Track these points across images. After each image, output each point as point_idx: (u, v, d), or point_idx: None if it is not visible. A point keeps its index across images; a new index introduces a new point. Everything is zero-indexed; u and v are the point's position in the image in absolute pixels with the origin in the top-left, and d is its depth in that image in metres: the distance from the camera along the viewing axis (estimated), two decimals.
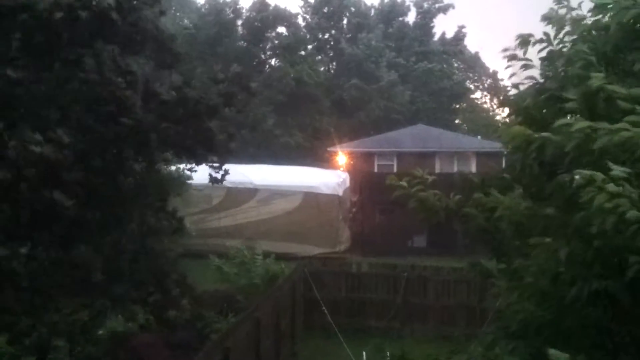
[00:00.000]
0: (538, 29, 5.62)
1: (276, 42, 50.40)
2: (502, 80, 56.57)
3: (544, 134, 4.44)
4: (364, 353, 14.34)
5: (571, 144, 4.13)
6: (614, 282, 4.06)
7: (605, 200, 3.66)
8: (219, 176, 11.68)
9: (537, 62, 5.95)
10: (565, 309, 4.65)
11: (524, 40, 5.36)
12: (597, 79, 4.29)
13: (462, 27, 57.46)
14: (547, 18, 5.36)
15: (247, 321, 11.47)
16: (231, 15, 49.16)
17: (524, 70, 5.86)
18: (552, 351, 3.71)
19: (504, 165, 31.65)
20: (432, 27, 56.77)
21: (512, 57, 5.79)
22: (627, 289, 4.08)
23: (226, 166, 11.74)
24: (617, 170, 3.74)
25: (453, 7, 56.35)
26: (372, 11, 57.60)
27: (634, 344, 4.58)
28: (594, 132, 3.99)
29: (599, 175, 3.73)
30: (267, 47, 50.38)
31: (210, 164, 11.44)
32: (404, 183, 6.01)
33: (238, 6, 49.84)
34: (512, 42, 5.62)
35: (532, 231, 4.74)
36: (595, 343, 4.71)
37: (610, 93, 4.21)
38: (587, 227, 3.97)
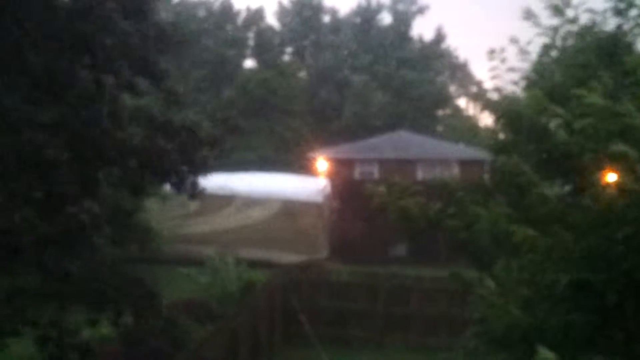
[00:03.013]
0: (518, 30, 5.61)
1: (251, 43, 50.54)
2: (486, 88, 56.68)
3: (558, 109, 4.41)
4: None
5: (585, 121, 4.01)
6: (598, 275, 3.99)
7: None
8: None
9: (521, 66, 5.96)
10: (550, 312, 4.61)
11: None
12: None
13: (440, 28, 57.28)
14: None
15: (224, 331, 11.22)
16: (203, 15, 49.31)
17: (507, 71, 5.88)
18: (541, 350, 3.62)
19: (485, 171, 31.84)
20: (410, 30, 56.63)
21: (493, 54, 5.81)
22: (612, 284, 4.01)
23: None
24: None
25: (428, 8, 56.24)
26: (347, 15, 57.60)
27: (616, 345, 4.50)
28: (612, 113, 3.85)
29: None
30: (242, 48, 50.40)
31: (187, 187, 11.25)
32: (382, 189, 5.86)
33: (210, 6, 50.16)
34: (492, 44, 5.68)
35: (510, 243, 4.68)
36: (579, 345, 4.65)
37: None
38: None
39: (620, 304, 4.25)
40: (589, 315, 4.48)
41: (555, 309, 4.55)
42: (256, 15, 51.59)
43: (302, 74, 54.30)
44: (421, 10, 55.89)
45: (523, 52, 5.91)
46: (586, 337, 4.59)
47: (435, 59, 55.89)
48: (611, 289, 4.10)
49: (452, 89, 60.17)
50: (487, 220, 4.87)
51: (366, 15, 56.22)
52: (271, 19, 54.96)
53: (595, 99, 3.87)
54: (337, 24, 55.75)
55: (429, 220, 5.88)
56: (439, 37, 57.26)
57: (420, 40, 56.88)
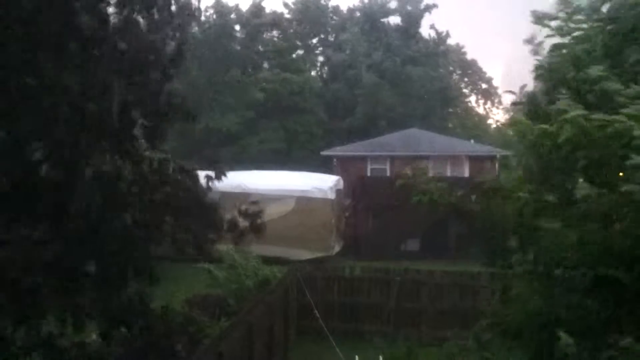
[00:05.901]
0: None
1: (269, 46, 50.74)
2: (497, 88, 56.89)
3: (542, 125, 4.41)
4: (357, 357, 14.30)
5: (563, 135, 4.10)
6: (624, 271, 4.07)
7: None
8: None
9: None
10: (569, 302, 4.65)
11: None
12: (596, 69, 4.24)
13: (446, 32, 57.13)
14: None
15: (240, 326, 11.40)
16: (233, 17, 49.67)
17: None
18: (562, 336, 3.72)
19: (497, 168, 31.71)
20: (419, 28, 56.40)
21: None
22: (637, 279, 4.10)
23: None
24: None
25: (436, 6, 55.91)
26: (357, 13, 57.40)
27: (633, 330, 4.60)
28: (588, 121, 3.95)
29: None
30: (261, 50, 50.71)
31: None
32: (408, 172, 6.02)
33: (237, 8, 50.53)
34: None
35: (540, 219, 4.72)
36: (595, 332, 4.71)
37: (606, 88, 4.17)
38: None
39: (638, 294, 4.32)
40: (604, 303, 4.56)
41: (573, 299, 4.61)
42: (279, 19, 51.93)
43: (312, 72, 54.51)
44: (429, 9, 55.73)
45: (534, 51, 5.90)
46: (602, 324, 4.64)
47: (442, 56, 55.74)
48: (632, 282, 4.17)
49: (463, 86, 60.10)
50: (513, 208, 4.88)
51: (373, 14, 56.15)
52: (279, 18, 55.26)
53: (576, 112, 3.98)
54: (347, 23, 55.76)
55: (450, 204, 5.95)
56: (445, 36, 57.10)
57: (428, 37, 56.71)
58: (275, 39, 52.07)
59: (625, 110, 3.87)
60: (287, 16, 55.13)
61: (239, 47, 50.12)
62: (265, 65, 50.74)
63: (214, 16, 48.64)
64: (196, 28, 47.32)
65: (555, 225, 4.40)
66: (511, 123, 4.79)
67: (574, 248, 4.36)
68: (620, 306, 4.55)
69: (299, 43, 54.73)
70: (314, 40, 56.45)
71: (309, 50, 56.13)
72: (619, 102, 4.00)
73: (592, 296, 4.56)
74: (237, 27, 51.15)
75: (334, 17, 56.67)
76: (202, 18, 47.95)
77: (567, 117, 4.05)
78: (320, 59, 56.40)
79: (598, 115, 3.93)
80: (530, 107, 5.63)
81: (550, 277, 4.76)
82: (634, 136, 3.78)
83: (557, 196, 4.64)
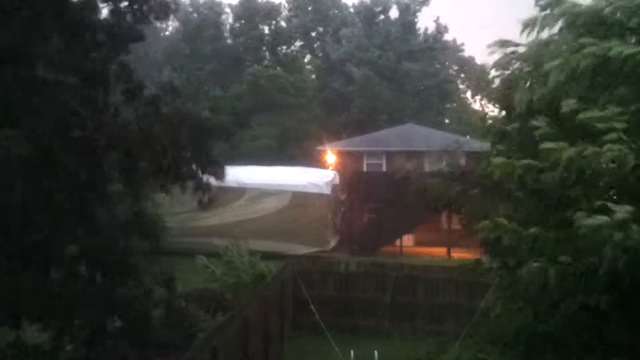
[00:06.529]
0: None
1: (263, 39, 50.57)
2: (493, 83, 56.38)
3: (524, 161, 4.46)
4: (352, 352, 14.32)
5: (559, 168, 4.16)
6: (605, 296, 4.10)
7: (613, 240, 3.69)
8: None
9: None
10: (557, 316, 4.66)
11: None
12: (567, 105, 4.29)
13: (441, 23, 56.78)
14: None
15: (235, 320, 11.43)
16: (215, 10, 49.53)
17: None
18: None
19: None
20: (416, 23, 56.20)
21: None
22: (617, 303, 4.13)
23: None
24: (621, 211, 3.74)
25: None
26: (352, 9, 57.20)
27: (622, 346, 4.61)
28: (580, 157, 3.99)
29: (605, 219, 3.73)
30: (253, 43, 50.56)
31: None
32: (407, 168, 6.08)
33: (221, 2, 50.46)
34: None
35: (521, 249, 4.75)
36: (585, 346, 4.70)
37: (583, 119, 4.21)
38: (582, 245, 4.00)
39: (620, 314, 4.37)
40: (591, 320, 4.60)
41: (559, 315, 4.64)
42: (273, 10, 51.72)
43: (310, 66, 54.33)
44: (425, 2, 55.51)
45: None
46: (590, 339, 4.68)
47: (439, 51, 55.55)
48: (611, 305, 4.20)
49: (460, 82, 59.95)
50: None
51: (373, 9, 55.97)
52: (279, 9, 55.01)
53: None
54: (346, 17, 55.59)
55: (449, 200, 5.96)
56: (443, 31, 56.91)
57: (425, 32, 56.54)
58: (268, 31, 51.87)
59: (609, 136, 3.91)
60: (286, 6, 55.08)
61: (229, 41, 49.92)
62: (265, 54, 50.53)
63: (192, 12, 48.62)
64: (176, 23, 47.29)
65: (535, 265, 4.41)
66: (495, 165, 4.79)
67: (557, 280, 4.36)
68: (605, 327, 4.58)
69: (298, 35, 54.58)
70: (313, 34, 56.30)
71: (308, 43, 55.97)
72: (599, 129, 4.03)
73: (579, 323, 4.58)
74: (230, 19, 51.04)
75: (334, 11, 56.49)
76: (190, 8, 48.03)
77: (563, 157, 4.09)
78: (318, 52, 56.19)
79: (590, 150, 3.97)
80: (506, 142, 5.67)
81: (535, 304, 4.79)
82: (627, 163, 3.81)
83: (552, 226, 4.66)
